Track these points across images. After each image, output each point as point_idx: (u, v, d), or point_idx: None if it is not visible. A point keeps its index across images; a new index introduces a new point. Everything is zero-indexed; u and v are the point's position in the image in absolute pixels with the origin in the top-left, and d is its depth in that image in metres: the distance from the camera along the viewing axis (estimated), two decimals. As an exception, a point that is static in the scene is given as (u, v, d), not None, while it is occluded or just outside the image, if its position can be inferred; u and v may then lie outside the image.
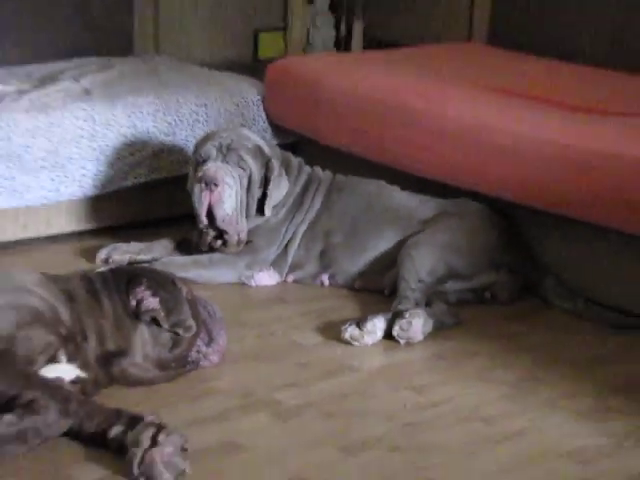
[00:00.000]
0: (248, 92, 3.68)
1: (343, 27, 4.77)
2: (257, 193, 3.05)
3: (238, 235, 3.03)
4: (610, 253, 2.89)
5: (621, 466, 2.09)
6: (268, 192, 3.04)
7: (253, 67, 4.25)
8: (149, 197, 3.50)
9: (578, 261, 2.98)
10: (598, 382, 2.51)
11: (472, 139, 3.04)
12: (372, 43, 4.56)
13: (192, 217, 3.09)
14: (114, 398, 2.27)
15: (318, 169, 3.23)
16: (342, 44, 4.77)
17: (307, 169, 3.19)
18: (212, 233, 3.01)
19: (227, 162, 3.00)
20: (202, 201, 2.95)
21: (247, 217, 3.04)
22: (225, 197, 2.96)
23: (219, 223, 2.98)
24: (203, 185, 2.93)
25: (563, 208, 2.83)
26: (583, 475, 2.02)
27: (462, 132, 3.08)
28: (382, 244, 3.00)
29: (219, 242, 3.04)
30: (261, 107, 3.70)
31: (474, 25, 4.35)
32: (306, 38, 4.72)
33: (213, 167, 2.96)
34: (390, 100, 3.34)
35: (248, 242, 3.06)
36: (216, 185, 2.93)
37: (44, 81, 3.69)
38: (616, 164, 2.66)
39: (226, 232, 2.99)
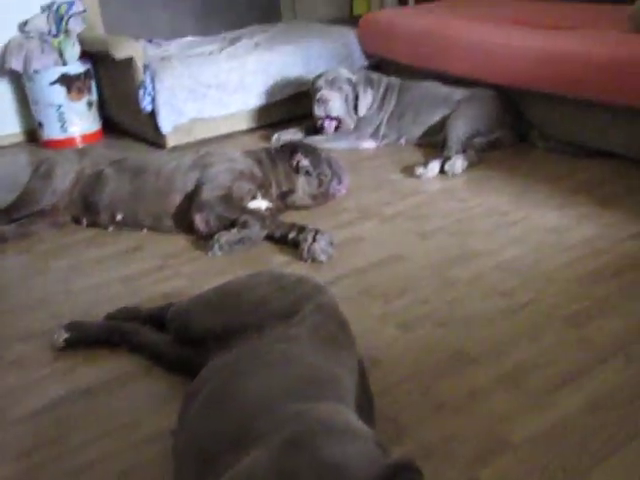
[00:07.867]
0: (350, 35, 4.51)
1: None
2: (352, 104, 3.72)
3: (348, 123, 3.75)
4: (567, 113, 3.34)
5: (576, 234, 2.53)
6: (359, 102, 3.72)
7: (351, 21, 4.94)
8: (293, 104, 4.23)
9: (550, 119, 3.44)
10: (565, 189, 2.93)
11: (485, 51, 3.55)
12: (421, -1, 5.19)
13: (310, 116, 3.82)
14: (289, 217, 2.76)
15: (392, 78, 3.87)
16: (403, 1, 5.31)
17: (385, 79, 3.83)
18: (333, 124, 3.74)
19: (331, 89, 3.70)
20: (319, 112, 3.72)
21: (350, 116, 3.75)
22: (332, 107, 3.70)
23: (334, 117, 3.70)
24: (319, 103, 3.71)
25: (539, 87, 3.33)
26: (557, 240, 2.51)
27: (479, 47, 3.58)
28: (434, 118, 3.62)
29: (333, 128, 3.74)
30: (357, 43, 4.49)
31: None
32: (381, 0, 5.42)
33: (325, 92, 3.71)
34: (435, 31, 3.92)
35: (355, 127, 3.77)
36: (326, 102, 3.70)
37: (233, 41, 4.53)
38: (567, 58, 3.15)
39: (341, 122, 3.74)
